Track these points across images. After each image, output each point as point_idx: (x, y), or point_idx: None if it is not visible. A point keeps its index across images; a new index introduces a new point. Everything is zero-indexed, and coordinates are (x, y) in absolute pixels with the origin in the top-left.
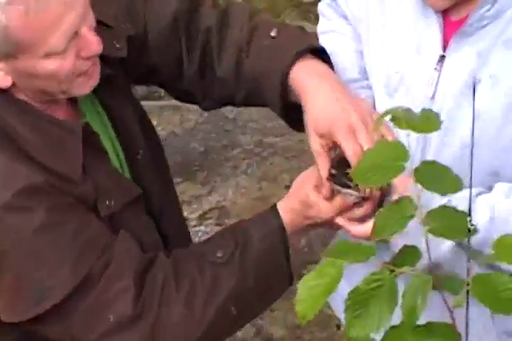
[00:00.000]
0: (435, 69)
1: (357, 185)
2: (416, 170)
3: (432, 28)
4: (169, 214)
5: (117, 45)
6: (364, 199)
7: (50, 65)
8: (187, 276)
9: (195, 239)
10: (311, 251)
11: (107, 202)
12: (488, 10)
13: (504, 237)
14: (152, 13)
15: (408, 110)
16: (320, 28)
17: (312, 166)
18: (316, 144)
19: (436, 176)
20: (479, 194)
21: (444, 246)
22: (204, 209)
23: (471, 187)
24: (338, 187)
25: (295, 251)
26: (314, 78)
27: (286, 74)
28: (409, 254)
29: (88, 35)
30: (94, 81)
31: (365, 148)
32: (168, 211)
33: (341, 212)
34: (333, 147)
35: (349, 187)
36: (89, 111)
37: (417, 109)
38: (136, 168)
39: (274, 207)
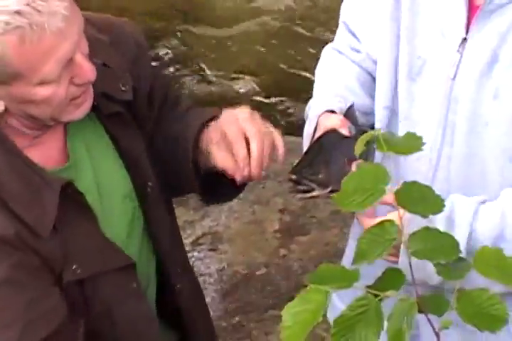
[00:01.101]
0: (457, 51)
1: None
2: (397, 192)
3: (458, 11)
4: (175, 253)
5: (123, 88)
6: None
7: (43, 91)
8: None
9: None
10: (304, 274)
11: (74, 266)
12: None
13: (483, 249)
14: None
15: (389, 133)
16: (319, 68)
17: None
18: (216, 152)
19: (417, 197)
20: (483, 202)
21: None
22: (197, 234)
23: None
24: (303, 194)
25: (288, 274)
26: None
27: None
28: (393, 277)
29: (82, 62)
30: (85, 108)
31: (246, 129)
32: (175, 249)
33: None
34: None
35: (313, 188)
36: (78, 154)
37: (439, 91)
38: (146, 200)
39: None
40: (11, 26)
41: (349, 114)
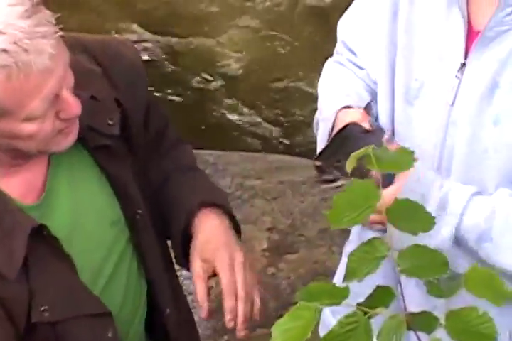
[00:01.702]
0: (456, 76)
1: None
2: (388, 209)
3: (457, 36)
4: (165, 277)
5: (110, 122)
6: None
7: (30, 127)
8: None
9: None
10: (292, 293)
11: (42, 308)
12: (509, 14)
13: (474, 268)
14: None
15: (381, 149)
16: (323, 80)
17: None
18: (198, 268)
19: (408, 215)
20: (477, 193)
21: (444, 232)
22: None
23: None
24: (327, 184)
25: (277, 292)
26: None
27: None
28: (383, 295)
29: (68, 98)
30: (71, 139)
31: (238, 281)
32: (165, 273)
33: None
34: (211, 275)
35: (337, 178)
36: (58, 185)
37: (436, 115)
38: (135, 226)
39: None
40: None
41: (368, 109)
